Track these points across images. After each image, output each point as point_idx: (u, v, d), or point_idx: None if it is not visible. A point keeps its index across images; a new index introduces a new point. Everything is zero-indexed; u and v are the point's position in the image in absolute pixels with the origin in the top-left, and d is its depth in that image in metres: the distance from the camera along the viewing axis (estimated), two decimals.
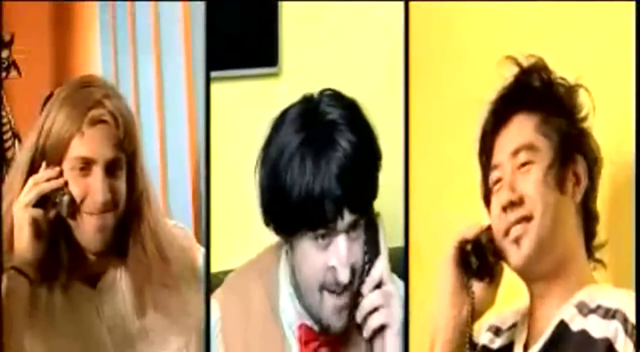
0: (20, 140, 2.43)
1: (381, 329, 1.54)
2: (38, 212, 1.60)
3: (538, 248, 1.45)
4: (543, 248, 1.46)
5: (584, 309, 1.43)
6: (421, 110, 1.80)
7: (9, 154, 2.39)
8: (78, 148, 1.60)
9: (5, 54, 2.37)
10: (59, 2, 2.65)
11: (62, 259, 1.64)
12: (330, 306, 1.56)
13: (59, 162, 1.61)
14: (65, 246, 1.64)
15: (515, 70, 1.52)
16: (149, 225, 1.68)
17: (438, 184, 1.84)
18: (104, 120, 1.61)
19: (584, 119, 1.51)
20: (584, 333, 1.41)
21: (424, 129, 1.81)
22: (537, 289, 1.50)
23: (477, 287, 1.48)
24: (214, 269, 1.72)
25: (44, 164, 1.62)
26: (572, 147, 1.49)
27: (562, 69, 1.53)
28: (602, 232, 1.53)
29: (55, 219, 1.61)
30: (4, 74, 2.37)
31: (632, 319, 1.39)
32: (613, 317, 1.40)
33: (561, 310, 1.45)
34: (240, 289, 1.65)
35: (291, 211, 1.51)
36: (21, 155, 1.66)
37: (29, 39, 2.44)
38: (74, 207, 1.61)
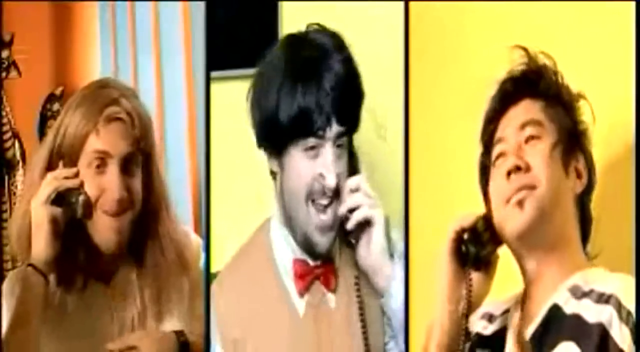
0: (20, 141, 2.43)
1: (366, 224, 1.60)
2: (57, 210, 1.59)
3: (540, 214, 1.44)
4: (544, 216, 1.45)
5: (577, 293, 1.43)
6: (421, 109, 1.80)
7: (9, 154, 2.39)
8: (94, 143, 1.60)
9: (5, 54, 2.37)
10: (59, 2, 2.66)
11: (79, 259, 1.64)
12: (315, 222, 1.61)
13: (75, 162, 1.61)
14: (81, 246, 1.63)
15: (525, 57, 1.52)
16: (167, 228, 1.68)
17: (438, 182, 1.84)
18: (119, 118, 1.61)
19: (585, 125, 1.52)
20: (577, 317, 1.41)
21: (423, 128, 1.81)
22: (531, 272, 1.48)
23: (474, 277, 1.48)
24: (214, 269, 1.72)
25: (61, 164, 1.62)
26: (574, 143, 1.50)
27: (562, 69, 1.53)
28: (597, 236, 1.52)
29: (71, 219, 1.60)
30: (4, 74, 2.37)
31: (627, 304, 1.38)
32: (607, 302, 1.39)
33: (555, 293, 1.45)
34: (233, 270, 1.68)
35: (282, 125, 1.58)
36: (38, 155, 1.65)
37: (29, 39, 2.44)
38: (90, 208, 1.60)
